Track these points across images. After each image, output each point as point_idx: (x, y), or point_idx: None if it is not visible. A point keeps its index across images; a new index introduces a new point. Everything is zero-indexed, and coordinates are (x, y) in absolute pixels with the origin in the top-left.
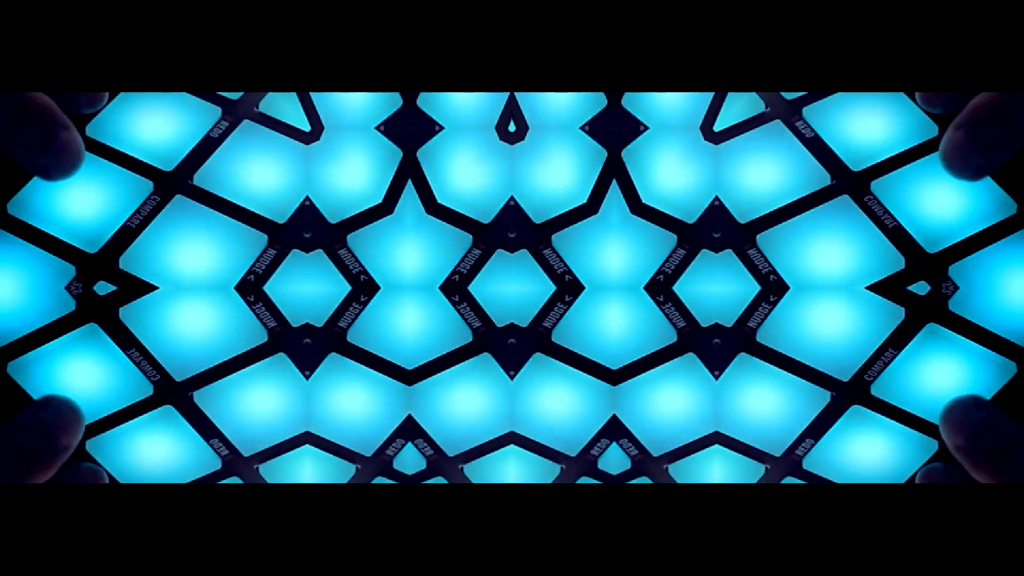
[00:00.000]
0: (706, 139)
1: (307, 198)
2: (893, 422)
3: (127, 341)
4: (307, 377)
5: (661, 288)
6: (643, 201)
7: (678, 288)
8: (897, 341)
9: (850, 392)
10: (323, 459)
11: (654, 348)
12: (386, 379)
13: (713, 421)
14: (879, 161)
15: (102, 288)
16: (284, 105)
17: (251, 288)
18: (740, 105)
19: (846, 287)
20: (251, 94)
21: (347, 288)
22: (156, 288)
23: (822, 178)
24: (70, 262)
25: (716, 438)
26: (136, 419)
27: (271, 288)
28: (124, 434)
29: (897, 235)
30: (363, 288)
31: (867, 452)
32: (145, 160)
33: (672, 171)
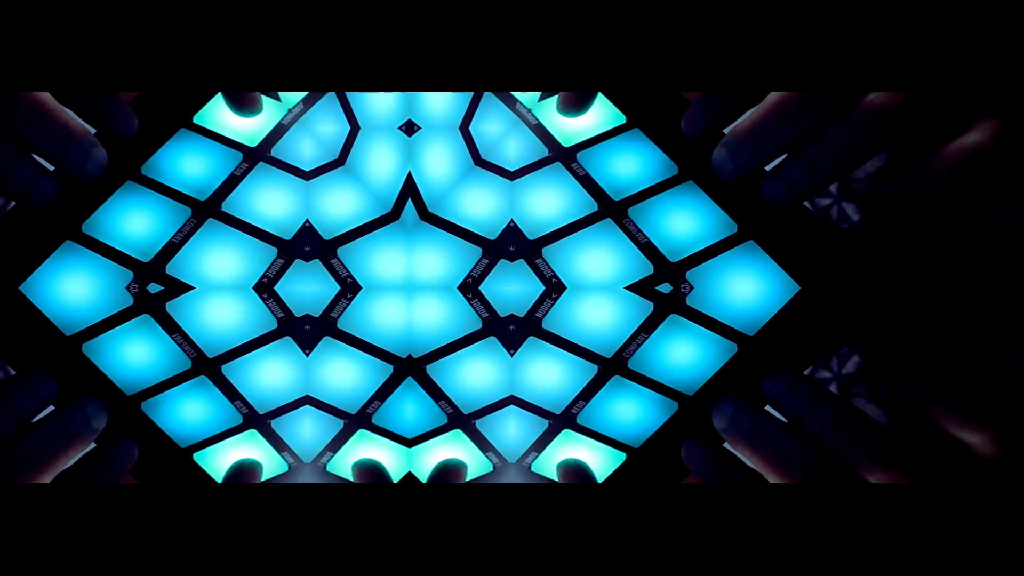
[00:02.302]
0: (504, 177)
1: (307, 220)
2: (645, 388)
3: (172, 327)
4: (307, 355)
5: (471, 288)
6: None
7: (483, 288)
8: (648, 328)
9: (612, 366)
10: (319, 416)
11: (462, 334)
12: (368, 357)
13: (509, 387)
14: (633, 193)
15: (153, 288)
16: (291, 148)
17: (265, 288)
18: (529, 147)
19: (610, 287)
20: (266, 142)
21: (336, 288)
22: (193, 288)
23: (590, 205)
24: (129, 268)
25: (511, 400)
26: (178, 386)
27: (280, 288)
28: (169, 398)
29: (647, 248)
30: (349, 288)
31: (625, 411)
32: (185, 192)
33: (479, 201)
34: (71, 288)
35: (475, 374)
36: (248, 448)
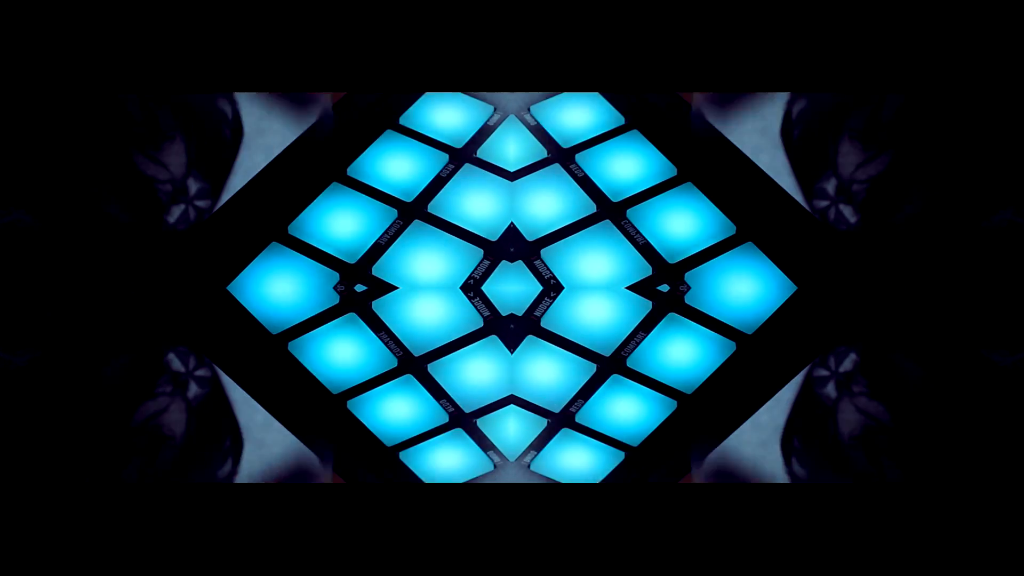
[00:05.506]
0: (504, 178)
1: (512, 223)
2: (643, 387)
3: (377, 326)
4: (511, 352)
5: (472, 288)
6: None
7: (485, 288)
8: (646, 326)
9: (611, 364)
10: (523, 415)
11: (464, 332)
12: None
13: (509, 386)
14: (632, 194)
15: (359, 288)
16: (496, 149)
17: (472, 288)
18: (529, 147)
19: (608, 288)
20: (472, 143)
21: (539, 288)
22: (397, 288)
23: (589, 207)
24: (335, 270)
25: (511, 399)
26: (384, 385)
27: (486, 288)
28: (375, 397)
29: (646, 250)
30: (552, 288)
31: (623, 410)
32: (391, 193)
33: (479, 203)
34: (277, 288)
35: (476, 372)
36: (453, 447)
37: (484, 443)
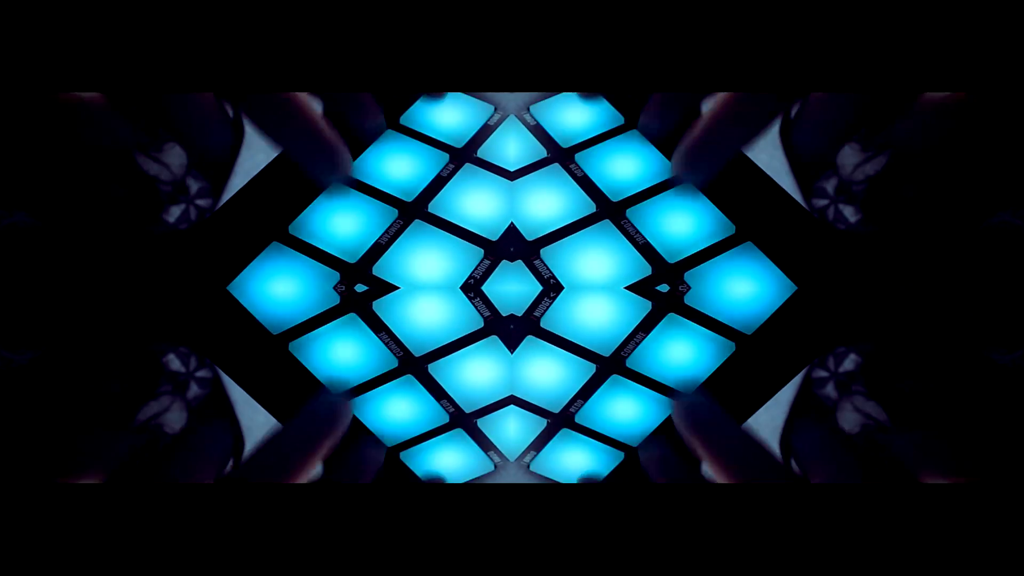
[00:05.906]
0: (504, 178)
1: (511, 223)
2: (642, 387)
3: (378, 326)
4: (511, 352)
5: (473, 288)
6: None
7: (485, 288)
8: (646, 327)
9: (611, 365)
10: (523, 415)
11: (464, 332)
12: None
13: (509, 387)
14: (632, 194)
15: (359, 288)
16: (494, 149)
17: (472, 288)
18: (528, 147)
19: (608, 288)
20: (472, 143)
21: (539, 288)
22: (398, 288)
23: (589, 206)
24: (336, 269)
25: (511, 400)
26: (384, 385)
27: (486, 288)
28: (376, 397)
29: (646, 249)
30: (552, 288)
31: (623, 410)
32: (392, 193)
33: (480, 202)
34: (278, 288)
35: (477, 372)
36: (454, 447)
37: (484, 443)
